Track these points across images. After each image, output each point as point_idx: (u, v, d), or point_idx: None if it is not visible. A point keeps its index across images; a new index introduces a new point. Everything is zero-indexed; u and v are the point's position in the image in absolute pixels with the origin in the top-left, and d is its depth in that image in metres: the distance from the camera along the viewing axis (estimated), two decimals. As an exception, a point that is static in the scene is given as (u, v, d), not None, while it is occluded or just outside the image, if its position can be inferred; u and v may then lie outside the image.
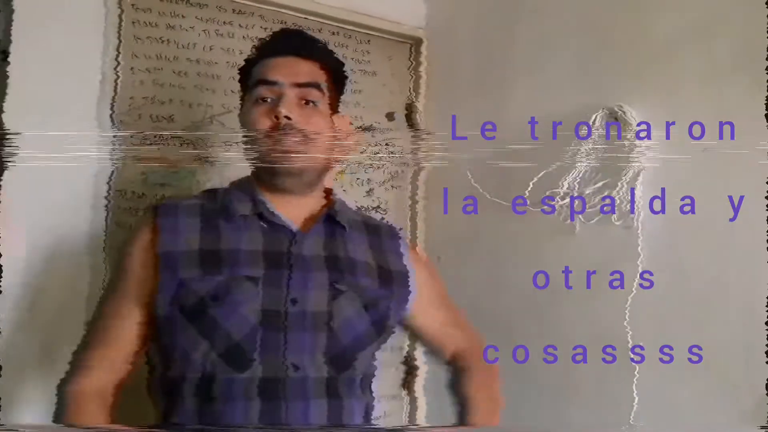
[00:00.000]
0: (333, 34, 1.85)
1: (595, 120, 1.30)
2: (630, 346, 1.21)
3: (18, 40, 1.40)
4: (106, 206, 1.51)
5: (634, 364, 1.21)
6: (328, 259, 1.06)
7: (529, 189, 1.37)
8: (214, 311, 0.97)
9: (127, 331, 1.03)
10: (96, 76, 1.50)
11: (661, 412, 1.17)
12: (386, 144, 1.90)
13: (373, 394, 1.12)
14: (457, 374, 1.19)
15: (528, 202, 1.38)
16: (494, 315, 1.56)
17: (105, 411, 1.01)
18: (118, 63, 1.55)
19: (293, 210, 1.08)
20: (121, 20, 1.56)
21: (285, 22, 1.78)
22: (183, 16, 1.64)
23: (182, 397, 0.99)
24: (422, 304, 1.17)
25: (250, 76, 1.11)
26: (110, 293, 1.07)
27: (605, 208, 1.27)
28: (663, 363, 1.18)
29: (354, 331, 1.03)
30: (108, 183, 1.52)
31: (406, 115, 1.95)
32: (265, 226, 1.05)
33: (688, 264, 1.16)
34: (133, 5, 1.58)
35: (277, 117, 1.03)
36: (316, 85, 1.08)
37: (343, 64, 1.17)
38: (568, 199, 1.32)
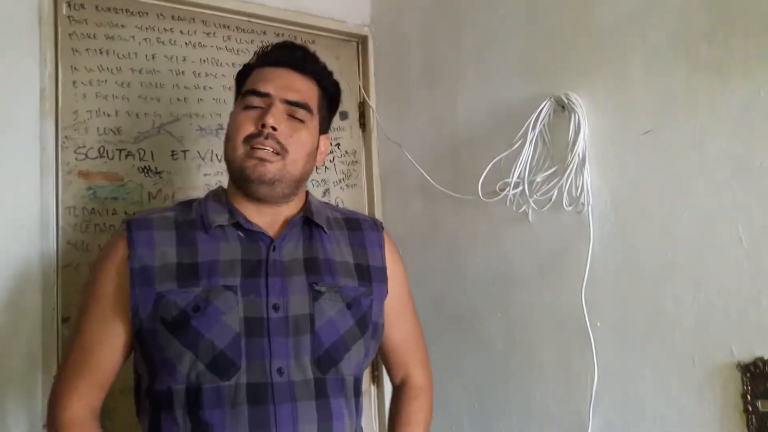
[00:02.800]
0: (277, 35, 1.84)
1: (542, 108, 1.32)
2: (588, 325, 1.24)
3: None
4: (56, 225, 1.47)
5: (592, 341, 1.23)
6: (307, 261, 1.07)
7: (481, 180, 1.39)
8: (197, 322, 0.98)
9: (109, 351, 1.03)
10: (35, 92, 1.46)
11: (621, 386, 1.20)
12: (338, 144, 1.91)
13: (362, 396, 1.13)
14: (401, 404, 1.20)
15: (481, 193, 1.40)
16: (456, 304, 1.58)
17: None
18: (58, 77, 1.52)
19: (269, 218, 1.09)
20: (57, 33, 1.52)
21: (228, 26, 1.76)
22: (122, 26, 1.62)
23: (170, 408, 0.99)
24: (395, 302, 1.17)
25: (245, 82, 1.12)
26: (86, 313, 1.05)
27: (555, 195, 1.29)
28: (619, 339, 1.21)
29: (337, 332, 1.05)
30: (55, 201, 1.48)
31: (359, 114, 1.95)
32: (242, 235, 1.06)
33: (638, 244, 1.19)
34: (68, 17, 1.55)
35: (263, 125, 1.04)
36: (305, 106, 1.09)
37: (339, 87, 1.19)
38: (519, 188, 1.34)
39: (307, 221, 1.11)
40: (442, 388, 1.51)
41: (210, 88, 1.71)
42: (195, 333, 0.97)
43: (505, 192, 1.36)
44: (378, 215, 1.90)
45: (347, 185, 1.93)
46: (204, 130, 1.69)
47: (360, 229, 1.18)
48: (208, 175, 1.69)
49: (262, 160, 1.04)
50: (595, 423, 1.24)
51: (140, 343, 1.02)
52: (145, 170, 1.61)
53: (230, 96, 1.72)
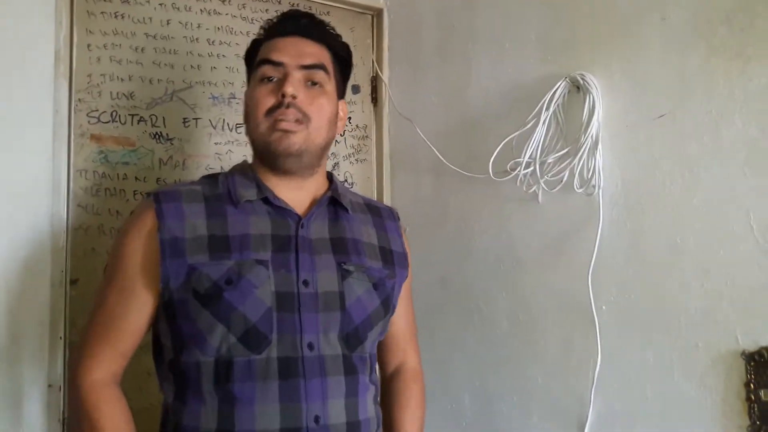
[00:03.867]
0: (292, 5, 1.82)
1: (557, 89, 1.30)
2: (593, 308, 1.24)
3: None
4: (67, 188, 1.48)
5: (596, 325, 1.23)
6: (333, 240, 1.08)
7: (492, 159, 1.38)
8: (229, 294, 0.97)
9: (133, 320, 1.03)
10: (50, 54, 1.46)
11: (624, 370, 1.21)
12: (349, 118, 1.90)
13: (376, 374, 1.15)
14: (395, 396, 1.21)
15: (491, 172, 1.39)
16: (462, 283, 1.58)
17: (121, 396, 1.02)
18: (73, 40, 1.52)
19: (296, 194, 1.09)
20: (73, -5, 1.51)
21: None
22: (138, -10, 1.60)
23: (197, 379, 0.99)
24: (402, 292, 1.19)
25: (256, 57, 1.11)
26: (111, 281, 1.04)
27: (566, 176, 1.28)
28: (624, 324, 1.21)
29: (365, 311, 1.06)
30: (67, 164, 1.48)
31: (371, 88, 1.94)
32: (271, 210, 1.06)
33: (647, 229, 1.18)
34: (84, -21, 1.54)
35: (283, 95, 1.03)
36: (321, 67, 1.08)
37: (349, 50, 1.18)
38: (530, 168, 1.33)
39: (333, 201, 1.12)
40: (444, 365, 1.52)
41: (224, 56, 1.70)
42: (227, 305, 0.97)
43: (515, 172, 1.36)
44: (387, 192, 1.90)
45: (357, 160, 1.92)
46: (216, 99, 1.69)
47: (380, 216, 1.20)
48: (219, 144, 1.68)
49: (286, 131, 1.03)
50: (596, 406, 1.24)
51: (168, 314, 1.02)
52: (157, 136, 1.61)
53: (243, 65, 1.71)
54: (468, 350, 1.55)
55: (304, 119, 1.05)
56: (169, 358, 1.04)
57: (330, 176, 1.17)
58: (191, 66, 1.66)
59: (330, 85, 1.10)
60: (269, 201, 1.06)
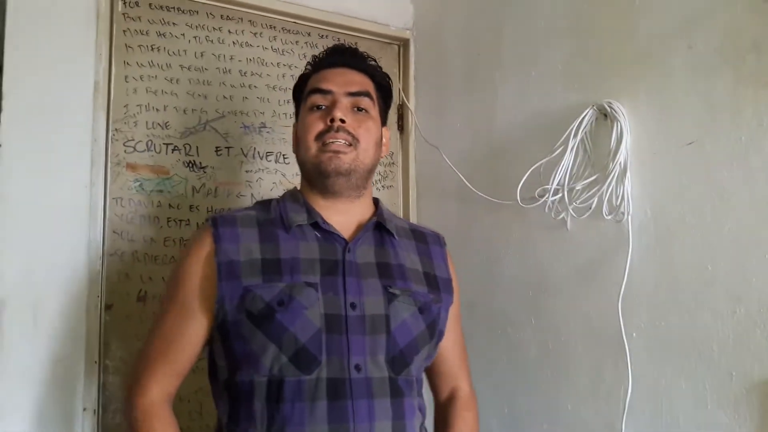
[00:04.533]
0: (321, 37, 1.87)
1: (584, 116, 1.32)
2: (623, 335, 1.23)
3: (11, 52, 1.42)
4: (103, 215, 1.52)
5: (627, 352, 1.23)
6: (379, 265, 1.11)
7: (520, 186, 1.39)
8: (281, 316, 1.01)
9: (189, 342, 1.06)
10: (89, 86, 1.51)
11: (655, 399, 1.20)
12: (378, 145, 1.93)
13: (422, 398, 1.16)
14: (455, 415, 1.22)
15: (519, 199, 1.40)
16: (489, 310, 1.59)
17: (173, 418, 1.05)
18: (111, 72, 1.57)
19: (344, 218, 1.13)
20: (112, 29, 1.58)
21: (274, 27, 1.80)
22: (174, 24, 1.66)
23: (250, 399, 1.02)
24: (451, 314, 1.20)
25: (304, 89, 1.18)
26: (170, 304, 1.08)
27: (595, 203, 1.29)
28: (655, 351, 1.21)
29: (410, 334, 1.08)
30: (103, 191, 1.53)
31: (398, 116, 1.97)
32: (319, 235, 1.10)
33: (678, 256, 1.18)
34: (124, 14, 1.60)
35: (332, 120, 1.09)
36: (367, 94, 1.15)
37: (389, 80, 1.24)
38: (558, 195, 1.34)
39: (378, 226, 1.15)
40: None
41: (255, 86, 1.75)
42: (279, 326, 1.00)
43: (544, 198, 1.37)
44: (413, 217, 1.91)
45: (384, 186, 1.95)
46: (248, 128, 1.73)
47: (426, 242, 1.23)
48: (250, 171, 1.72)
49: (337, 152, 1.09)
50: (627, 433, 1.23)
51: (222, 335, 1.05)
52: (191, 165, 1.65)
53: (274, 95, 1.77)
54: (496, 376, 1.55)
55: (353, 141, 1.10)
56: (224, 378, 1.07)
57: (376, 202, 1.21)
58: (224, 96, 1.71)
59: (374, 111, 1.17)
60: (318, 225, 1.10)
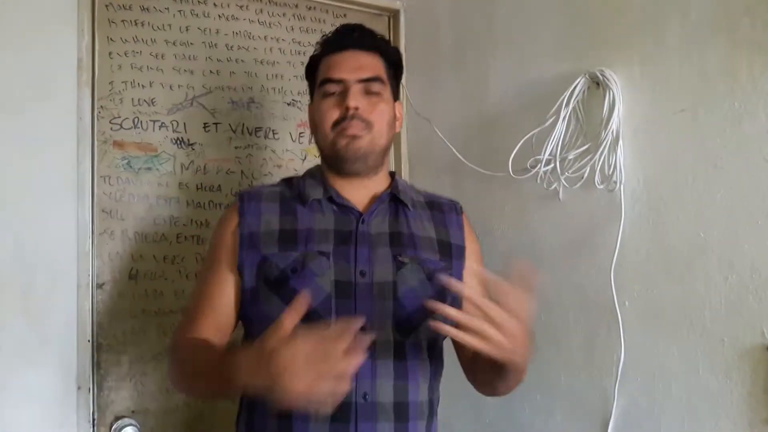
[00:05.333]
0: (309, 9, 1.84)
1: (576, 85, 1.30)
2: (616, 304, 1.23)
3: (-10, 29, 1.39)
4: (91, 194, 1.51)
5: (620, 321, 1.23)
6: (392, 235, 1.17)
7: (512, 157, 1.38)
8: (294, 281, 1.08)
9: (226, 298, 1.14)
10: (72, 63, 1.48)
11: (648, 366, 1.20)
12: (368, 118, 1.91)
13: (443, 360, 1.20)
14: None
15: (511, 170, 1.39)
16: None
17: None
18: (94, 48, 1.54)
19: (360, 193, 1.19)
20: (94, 4, 1.54)
21: (260, 0, 1.76)
22: (157, -3, 1.63)
23: None
24: (470, 278, 1.20)
25: (316, 72, 1.22)
26: (207, 269, 1.18)
27: (587, 173, 1.28)
28: (647, 319, 1.21)
29: (418, 300, 1.11)
30: (91, 170, 1.51)
31: (388, 89, 1.95)
32: (335, 208, 1.16)
33: (670, 224, 1.18)
34: (105, -12, 1.56)
35: (347, 108, 1.14)
36: (377, 79, 1.18)
37: (399, 54, 1.28)
38: (550, 166, 1.33)
39: (394, 198, 1.20)
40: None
41: (242, 61, 1.72)
42: (292, 291, 1.07)
43: (536, 169, 1.36)
44: (406, 191, 1.90)
45: (376, 161, 1.93)
46: (236, 103, 1.71)
47: (441, 210, 1.26)
48: (239, 147, 1.70)
49: (354, 137, 1.14)
50: (620, 402, 1.24)
51: (244, 300, 1.13)
52: (178, 141, 1.63)
53: (261, 69, 1.74)
54: (490, 348, 1.55)
55: (367, 126, 1.15)
56: (246, 340, 1.16)
57: (392, 175, 1.25)
58: (210, 71, 1.68)
59: (387, 92, 1.20)
60: (334, 200, 1.16)
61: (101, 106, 1.54)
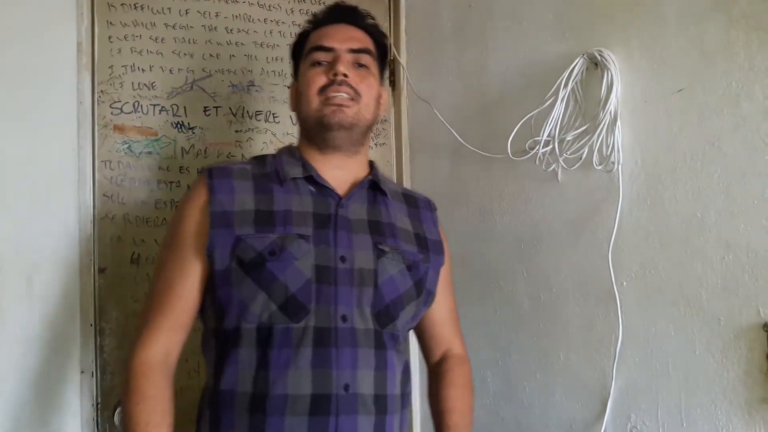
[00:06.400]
0: (309, -9, 1.83)
1: (575, 66, 1.30)
2: (614, 284, 1.24)
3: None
4: (92, 178, 1.52)
5: (617, 301, 1.24)
6: (371, 222, 1.13)
7: (511, 138, 1.38)
8: (272, 265, 1.02)
9: (188, 288, 1.07)
10: (72, 47, 1.49)
11: (645, 345, 1.21)
12: (368, 101, 1.90)
13: (408, 356, 1.18)
14: (442, 379, 1.22)
15: (510, 152, 1.39)
16: (482, 264, 1.59)
17: (167, 383, 1.05)
18: (94, 32, 1.54)
19: (339, 174, 1.15)
20: (93, -13, 1.54)
21: None
22: (156, -19, 1.62)
23: (236, 346, 1.04)
24: (442, 278, 1.21)
25: (304, 47, 1.18)
26: (167, 253, 1.10)
27: (585, 154, 1.28)
28: (645, 299, 1.21)
29: (397, 290, 1.10)
30: (92, 154, 1.52)
31: (389, 72, 1.94)
32: (313, 189, 1.12)
33: (668, 204, 1.18)
34: (103, -28, 1.56)
35: (335, 74, 1.10)
36: (368, 51, 1.16)
37: (387, 39, 1.26)
38: (549, 147, 1.33)
39: (373, 186, 1.17)
40: (466, 344, 1.53)
41: (242, 44, 1.72)
42: (270, 275, 1.02)
43: (534, 150, 1.36)
44: (406, 175, 1.90)
45: (376, 144, 1.93)
46: (236, 87, 1.71)
47: (417, 206, 1.24)
48: (240, 131, 1.70)
49: (340, 105, 1.10)
50: (618, 382, 1.25)
51: (213, 282, 1.06)
52: (179, 125, 1.63)
53: (261, 52, 1.73)
54: (489, 329, 1.56)
55: (355, 96, 1.11)
56: (212, 325, 1.09)
57: (371, 164, 1.22)
58: (210, 55, 1.68)
59: (375, 69, 1.18)
60: (313, 180, 1.12)
61: (101, 91, 1.55)
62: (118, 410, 1.48)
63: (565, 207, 1.38)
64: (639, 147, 1.23)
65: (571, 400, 1.36)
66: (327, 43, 1.14)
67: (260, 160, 1.18)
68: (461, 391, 1.21)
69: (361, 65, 1.14)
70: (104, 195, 1.53)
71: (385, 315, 1.08)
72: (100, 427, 1.47)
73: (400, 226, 1.17)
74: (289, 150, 1.18)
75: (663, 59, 1.19)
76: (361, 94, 1.12)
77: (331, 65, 1.12)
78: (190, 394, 1.31)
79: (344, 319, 1.04)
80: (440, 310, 1.23)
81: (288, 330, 1.02)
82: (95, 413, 1.47)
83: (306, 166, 1.13)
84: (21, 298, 1.38)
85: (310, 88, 1.12)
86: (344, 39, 1.15)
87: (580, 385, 1.33)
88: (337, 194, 1.12)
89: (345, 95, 1.10)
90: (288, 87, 1.76)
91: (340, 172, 1.15)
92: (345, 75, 1.10)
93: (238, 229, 1.05)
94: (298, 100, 1.17)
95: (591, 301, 1.31)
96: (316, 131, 1.13)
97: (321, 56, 1.13)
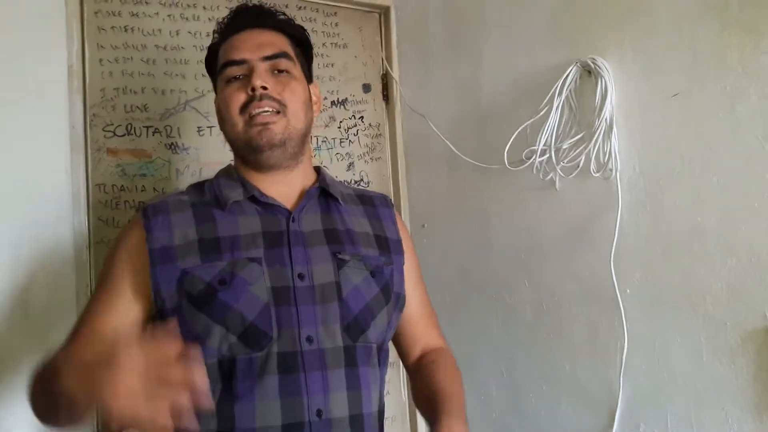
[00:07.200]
0: (300, 8, 1.83)
1: (568, 74, 1.29)
2: (617, 292, 1.23)
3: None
4: (87, 202, 1.50)
5: (621, 309, 1.22)
6: (327, 232, 1.06)
7: (507, 148, 1.38)
8: (223, 295, 0.96)
9: (115, 321, 0.99)
10: (63, 70, 1.48)
11: (652, 353, 1.20)
12: (361, 117, 1.90)
13: (386, 368, 1.11)
14: (425, 370, 1.13)
15: (507, 162, 1.39)
16: (483, 274, 1.58)
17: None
18: (84, 55, 1.54)
19: (284, 188, 1.08)
20: (82, 11, 1.53)
21: (250, 0, 1.75)
22: (146, 2, 1.62)
23: None
24: (409, 275, 1.16)
25: (217, 62, 1.10)
26: (99, 289, 1.03)
27: (582, 162, 1.27)
28: (649, 306, 1.20)
29: (364, 299, 1.03)
30: (85, 178, 1.51)
31: (382, 86, 1.94)
32: (259, 209, 1.05)
33: (668, 210, 1.17)
34: (93, -5, 1.56)
35: (253, 89, 1.02)
36: (284, 55, 1.07)
37: (305, 32, 1.16)
38: (546, 156, 1.33)
39: (323, 193, 1.10)
40: (469, 358, 1.52)
41: (233, 63, 1.71)
42: (222, 305, 0.96)
43: (531, 160, 1.35)
44: (403, 188, 1.89)
45: (371, 158, 1.92)
46: (229, 106, 1.70)
47: (373, 204, 1.17)
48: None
49: (265, 124, 1.02)
50: (626, 390, 1.23)
51: (164, 322, 0.99)
52: (173, 147, 1.62)
53: (254, 71, 1.73)
54: (493, 341, 1.55)
55: (280, 107, 1.03)
56: None
57: (317, 169, 1.15)
58: (202, 75, 1.65)
59: (297, 70, 1.09)
60: (256, 199, 1.05)
61: (93, 114, 1.54)
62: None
63: (564, 215, 1.37)
64: (636, 153, 1.22)
65: (578, 411, 1.34)
66: (237, 56, 1.05)
67: (198, 186, 1.10)
68: (450, 375, 1.11)
69: (280, 71, 1.06)
70: (99, 219, 1.52)
71: (354, 327, 1.01)
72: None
73: (358, 231, 1.10)
74: (226, 172, 1.11)
75: (657, 65, 1.19)
76: (287, 104, 1.03)
77: (248, 79, 1.03)
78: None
79: (309, 340, 0.98)
80: (413, 309, 1.16)
81: (251, 360, 0.96)
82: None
83: (247, 186, 1.05)
84: (17, 324, 1.36)
85: (230, 109, 1.03)
86: (255, 47, 1.05)
87: (586, 396, 1.32)
88: (285, 209, 1.05)
89: (269, 110, 1.02)
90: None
91: (284, 186, 1.08)
92: (264, 87, 1.02)
93: (182, 262, 0.98)
94: (221, 121, 1.08)
95: (595, 309, 1.30)
96: (247, 153, 1.05)
97: (235, 71, 1.04)
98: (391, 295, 1.09)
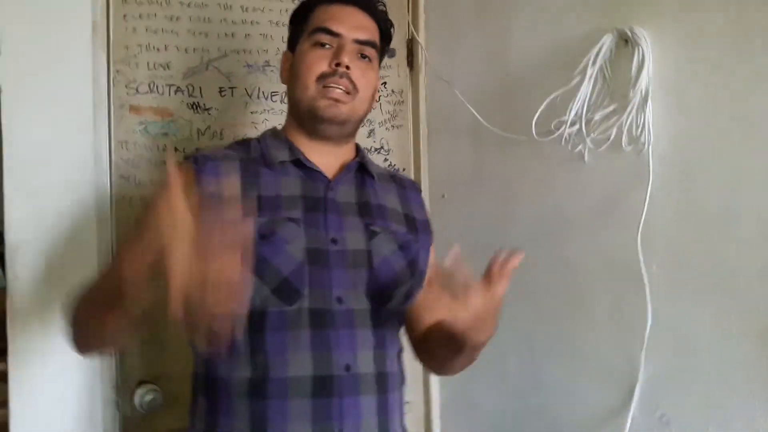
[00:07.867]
0: (326, -31, 1.78)
1: (603, 43, 1.25)
2: (643, 269, 1.20)
3: (2, -7, 1.36)
4: (109, 160, 1.50)
5: (646, 286, 1.20)
6: (360, 205, 1.12)
7: (536, 119, 1.35)
8: (263, 249, 0.98)
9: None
10: (87, 26, 1.46)
11: (676, 332, 1.18)
12: (384, 83, 1.87)
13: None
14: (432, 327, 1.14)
15: (534, 133, 1.36)
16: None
17: None
18: (109, 10, 1.51)
19: (326, 159, 1.13)
20: (107, -35, 1.51)
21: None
22: (171, -42, 1.59)
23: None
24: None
25: (307, 19, 1.13)
26: (140, 233, 1.01)
27: (614, 134, 1.24)
28: (676, 284, 1.18)
29: (392, 270, 1.09)
30: (108, 135, 1.50)
31: (407, 51, 1.90)
32: (301, 173, 1.10)
33: (701, 186, 1.14)
34: (118, -51, 1.53)
35: (338, 64, 1.07)
36: (373, 44, 1.13)
37: (392, 31, 1.22)
38: (575, 127, 1.29)
39: (360, 168, 1.16)
40: (489, 329, 1.50)
41: (257, 23, 1.68)
42: (261, 259, 0.98)
43: (560, 131, 1.32)
44: (424, 157, 1.87)
45: (393, 126, 1.89)
46: (251, 67, 1.67)
47: (403, 186, 1.23)
48: (255, 113, 1.68)
49: (336, 101, 1.07)
50: (648, 369, 1.22)
51: None
52: (194, 106, 1.60)
53: (277, 31, 1.70)
54: (513, 316, 1.51)
55: (353, 90, 1.08)
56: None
57: (357, 147, 1.20)
58: (225, 34, 1.65)
59: (376, 61, 1.15)
60: (301, 163, 1.10)
61: (117, 70, 1.52)
62: (138, 391, 1.48)
63: (592, 189, 1.34)
64: (671, 127, 1.19)
65: (597, 387, 1.33)
66: (334, 27, 1.09)
67: (244, 144, 1.15)
68: None
69: (364, 56, 1.11)
70: (121, 176, 1.52)
71: (380, 295, 1.07)
72: (121, 408, 1.47)
73: (389, 207, 1.16)
74: (274, 133, 1.16)
75: (699, 35, 1.15)
76: (359, 89, 1.09)
77: (335, 52, 1.08)
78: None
79: (340, 301, 1.03)
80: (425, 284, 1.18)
81: (282, 313, 1.00)
82: (116, 394, 1.46)
83: (293, 149, 1.11)
84: (40, 279, 1.37)
85: (308, 73, 1.08)
86: (352, 26, 1.10)
87: (607, 372, 1.31)
88: (326, 177, 1.11)
89: (343, 89, 1.07)
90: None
91: (327, 157, 1.13)
92: (347, 67, 1.07)
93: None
94: (292, 78, 1.12)
95: (619, 285, 1.28)
96: (307, 119, 1.10)
97: (326, 39, 1.09)
98: (416, 271, 1.13)
